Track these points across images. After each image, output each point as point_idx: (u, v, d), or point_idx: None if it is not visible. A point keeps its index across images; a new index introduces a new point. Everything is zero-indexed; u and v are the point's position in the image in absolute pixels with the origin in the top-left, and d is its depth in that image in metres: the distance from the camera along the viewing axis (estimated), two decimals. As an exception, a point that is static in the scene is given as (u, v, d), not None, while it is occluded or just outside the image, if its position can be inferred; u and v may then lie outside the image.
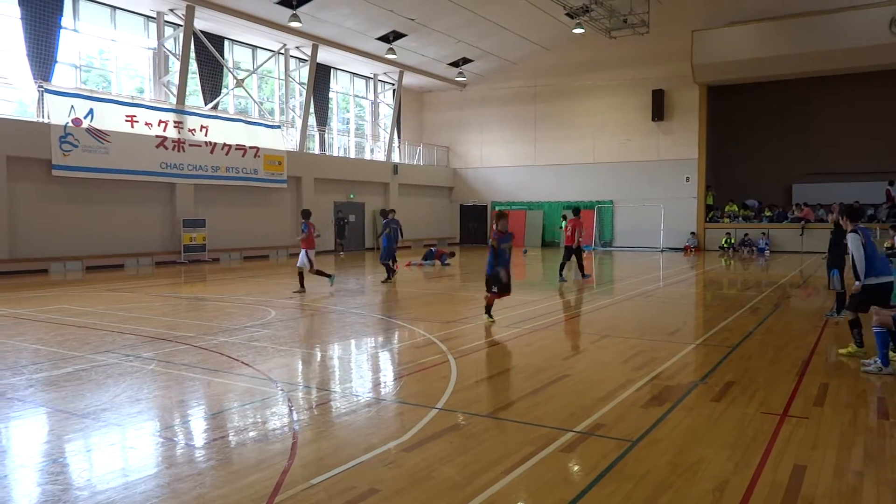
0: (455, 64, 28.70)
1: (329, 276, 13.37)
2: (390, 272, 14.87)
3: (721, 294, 13.36)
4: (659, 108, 26.90)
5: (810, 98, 26.96)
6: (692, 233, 26.52)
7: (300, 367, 7.00)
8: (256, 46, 24.05)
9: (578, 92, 28.91)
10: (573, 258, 14.99)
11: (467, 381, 6.03)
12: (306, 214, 13.42)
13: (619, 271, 18.72)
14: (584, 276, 15.19)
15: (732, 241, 25.75)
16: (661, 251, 25.82)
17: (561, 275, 14.75)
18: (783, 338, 8.13)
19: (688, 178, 26.84)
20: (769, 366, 6.66)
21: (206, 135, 21.08)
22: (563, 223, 24.77)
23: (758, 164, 28.37)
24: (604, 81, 28.25)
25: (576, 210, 15.52)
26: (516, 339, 8.27)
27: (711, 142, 27.33)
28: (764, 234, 25.50)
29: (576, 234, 14.70)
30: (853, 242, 6.70)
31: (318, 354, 7.54)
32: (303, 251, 12.81)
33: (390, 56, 25.50)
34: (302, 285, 12.74)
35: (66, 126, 17.32)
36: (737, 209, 27.21)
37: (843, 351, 7.12)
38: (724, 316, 9.84)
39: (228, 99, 23.44)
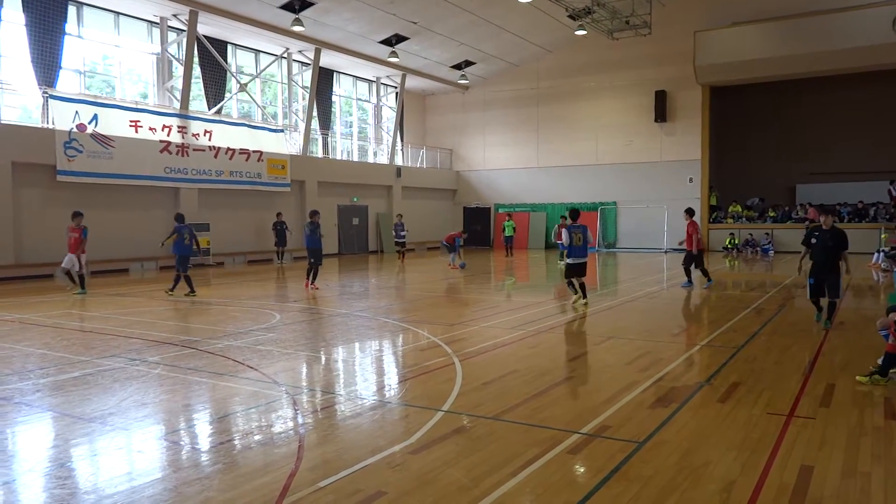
0: (457, 67, 28.74)
1: (75, 283, 13.17)
2: (189, 282, 12.95)
3: (725, 295, 13.31)
4: (661, 109, 26.87)
5: (813, 98, 26.91)
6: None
7: (305, 370, 6.99)
8: (259, 51, 24.12)
9: (581, 94, 28.90)
10: (683, 262, 13.94)
11: (473, 383, 6.02)
12: (72, 215, 13.25)
13: (623, 273, 18.68)
14: (687, 283, 13.86)
15: (736, 241, 25.69)
16: (665, 252, 25.75)
17: (708, 277, 13.63)
18: (788, 338, 8.11)
19: (691, 179, 26.81)
20: (775, 366, 6.64)
21: (209, 139, 21.14)
22: (510, 223, 24.69)
23: (761, 165, 28.34)
24: (606, 83, 28.25)
25: (689, 210, 14.07)
26: (521, 341, 8.25)
27: (714, 142, 27.31)
28: (768, 234, 25.43)
29: (693, 237, 13.56)
30: (564, 234, 10.71)
31: (324, 357, 7.54)
32: (69, 255, 13.00)
33: (393, 59, 25.55)
34: (74, 281, 13.14)
35: (70, 131, 17.38)
36: (740, 209, 27.17)
37: (576, 303, 10.67)
38: (729, 317, 9.82)
39: (232, 103, 23.50)
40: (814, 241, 8.48)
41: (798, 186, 27.84)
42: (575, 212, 11.17)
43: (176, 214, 13.78)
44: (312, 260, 13.64)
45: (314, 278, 13.75)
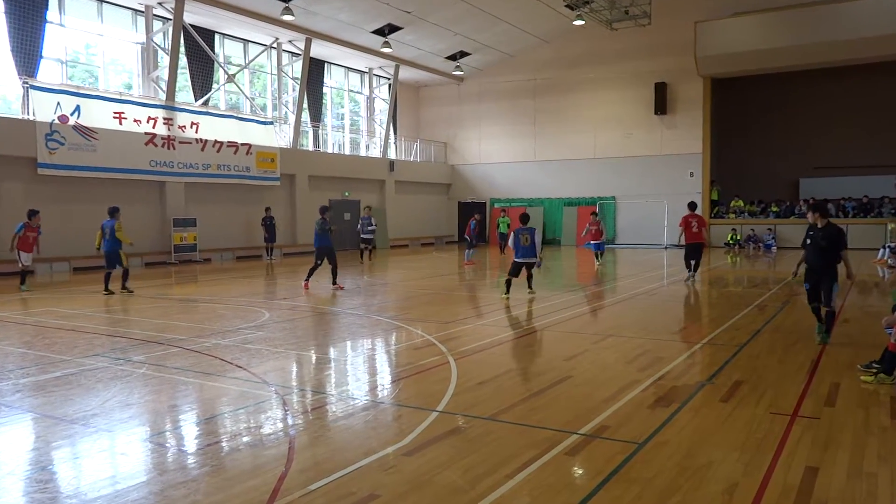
0: (452, 57, 28.49)
1: (23, 282, 13.32)
2: (107, 280, 12.74)
3: (727, 292, 13.28)
4: (662, 101, 26.60)
5: (817, 90, 26.49)
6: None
7: (296, 369, 6.89)
8: (248, 40, 23.82)
9: (579, 85, 28.63)
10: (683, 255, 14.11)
11: (468, 382, 5.93)
12: (30, 214, 13.30)
13: (622, 269, 18.63)
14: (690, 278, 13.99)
15: (738, 237, 25.48)
16: (665, 248, 25.68)
17: (694, 274, 13.97)
18: (792, 336, 8.01)
19: (692, 173, 26.55)
20: (778, 365, 6.57)
21: (196, 132, 20.83)
22: (504, 219, 24.21)
23: (764, 159, 27.96)
24: (605, 74, 28.02)
25: (689, 204, 14.45)
26: (517, 339, 8.19)
27: (716, 135, 27.06)
28: (770, 229, 25.32)
29: (702, 230, 13.78)
30: (511, 237, 11.81)
31: (315, 357, 7.41)
32: (19, 252, 13.08)
33: (386, 50, 25.28)
34: (23, 281, 13.31)
35: (52, 123, 17.04)
36: (742, 204, 26.91)
37: (503, 296, 11.56)
38: (731, 314, 9.73)
39: (219, 94, 23.20)
40: (808, 241, 7.65)
41: (802, 181, 27.46)
42: (525, 216, 12.40)
43: (113, 208, 13.42)
44: (319, 261, 12.95)
45: (334, 278, 13.06)
